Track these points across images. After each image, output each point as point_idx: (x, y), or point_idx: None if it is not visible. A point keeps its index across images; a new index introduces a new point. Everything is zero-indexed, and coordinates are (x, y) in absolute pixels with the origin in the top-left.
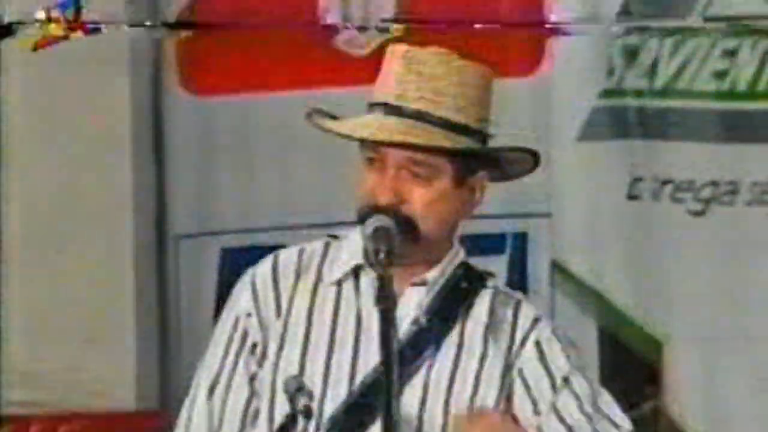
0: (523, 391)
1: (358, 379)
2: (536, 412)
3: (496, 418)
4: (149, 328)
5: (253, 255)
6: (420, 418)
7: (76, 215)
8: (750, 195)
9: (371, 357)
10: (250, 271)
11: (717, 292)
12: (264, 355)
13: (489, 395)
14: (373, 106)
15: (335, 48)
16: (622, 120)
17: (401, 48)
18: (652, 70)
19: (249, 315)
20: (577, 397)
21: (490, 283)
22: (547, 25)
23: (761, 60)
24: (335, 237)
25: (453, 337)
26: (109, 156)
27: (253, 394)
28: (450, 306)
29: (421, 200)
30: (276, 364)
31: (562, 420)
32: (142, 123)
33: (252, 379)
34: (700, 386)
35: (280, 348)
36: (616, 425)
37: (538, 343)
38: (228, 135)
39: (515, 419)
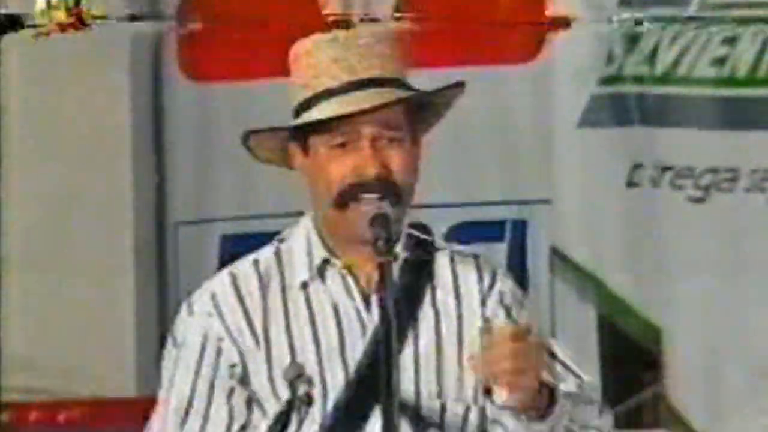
0: None
1: (352, 367)
2: None
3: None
4: (149, 314)
5: (252, 242)
6: (417, 392)
7: (76, 203)
8: (750, 182)
9: (357, 343)
10: (202, 294)
11: (716, 279)
12: (245, 375)
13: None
14: (318, 95)
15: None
16: (621, 107)
17: (321, 37)
18: (652, 56)
19: (221, 339)
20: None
21: (440, 244)
22: (547, 22)
23: (761, 47)
24: (281, 240)
25: (427, 307)
26: (109, 143)
27: (232, 414)
28: (417, 276)
29: (401, 165)
30: (269, 377)
31: None
32: (142, 110)
33: (230, 395)
34: (700, 373)
35: (268, 362)
36: (575, 373)
37: (501, 295)
38: (228, 122)
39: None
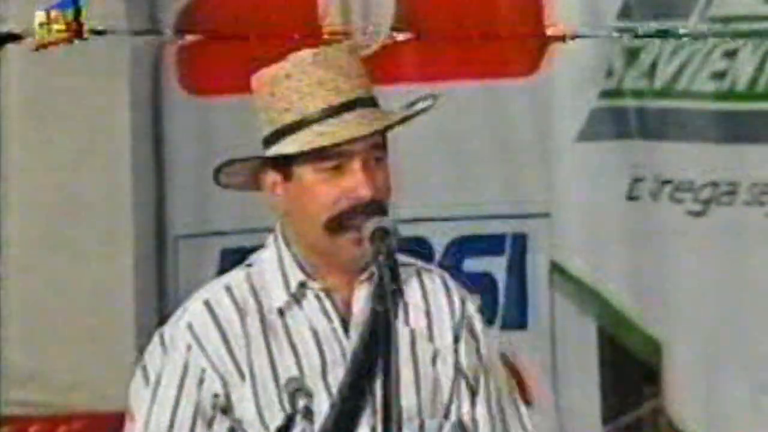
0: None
1: (334, 389)
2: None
3: None
4: (149, 328)
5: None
6: (398, 411)
7: (76, 215)
8: (749, 195)
9: (337, 365)
10: (177, 326)
11: (716, 293)
12: (228, 404)
13: (448, 373)
14: (306, 119)
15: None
16: (621, 120)
17: (299, 58)
18: (652, 70)
19: (203, 369)
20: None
21: (404, 260)
22: (547, 36)
23: (760, 61)
24: (249, 265)
25: (401, 325)
26: (110, 156)
27: None
28: (390, 294)
29: (385, 184)
30: (256, 405)
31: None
32: (142, 123)
33: (210, 425)
34: (700, 386)
35: (254, 390)
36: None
37: (470, 319)
38: (227, 135)
39: None
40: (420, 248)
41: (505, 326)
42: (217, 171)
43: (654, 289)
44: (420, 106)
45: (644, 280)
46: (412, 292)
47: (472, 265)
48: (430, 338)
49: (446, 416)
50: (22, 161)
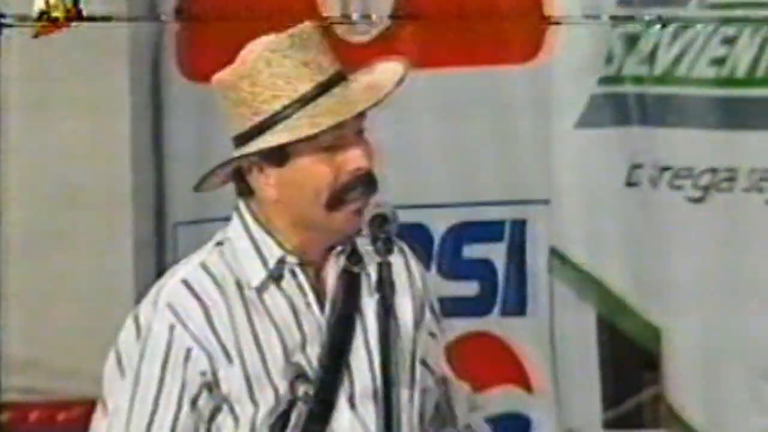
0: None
1: (314, 362)
2: None
3: None
4: None
5: None
6: (373, 379)
7: (76, 202)
8: (748, 182)
9: (315, 338)
10: (155, 307)
11: (715, 279)
12: (215, 381)
13: (408, 335)
14: (296, 102)
15: (336, 35)
16: (621, 107)
17: (275, 43)
18: (651, 56)
19: (189, 348)
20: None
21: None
22: (546, 20)
23: (760, 46)
24: (220, 243)
25: (367, 297)
26: (109, 143)
27: (198, 423)
28: (355, 264)
29: (372, 153)
30: (244, 371)
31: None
32: (142, 109)
33: (195, 402)
34: (699, 373)
35: (242, 365)
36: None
37: (422, 278)
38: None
39: None
40: (419, 234)
41: (504, 313)
42: (206, 178)
43: (653, 276)
44: (394, 76)
45: (643, 267)
46: (370, 261)
47: (471, 251)
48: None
49: (412, 386)
50: (22, 148)
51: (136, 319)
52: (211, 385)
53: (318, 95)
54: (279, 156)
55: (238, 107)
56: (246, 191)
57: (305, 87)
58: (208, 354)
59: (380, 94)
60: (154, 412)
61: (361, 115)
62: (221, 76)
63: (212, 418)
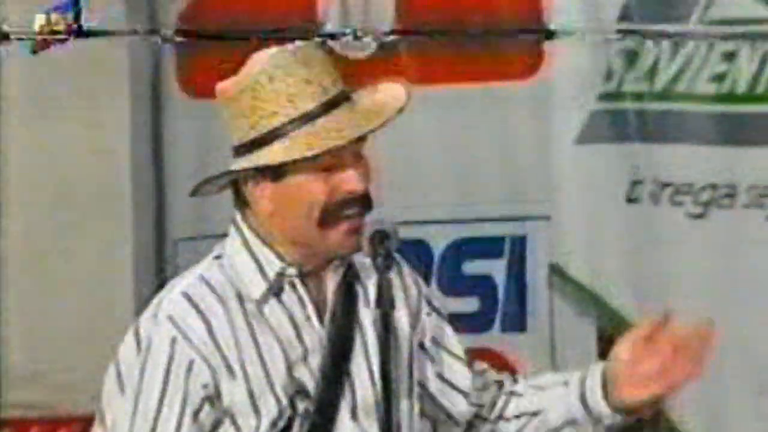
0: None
1: (315, 373)
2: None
3: None
4: None
5: None
6: (373, 389)
7: (76, 218)
8: (748, 198)
9: (315, 350)
10: (155, 322)
11: (715, 295)
12: (218, 394)
13: (405, 344)
14: (297, 120)
15: (335, 51)
16: (621, 123)
17: (278, 60)
18: (652, 72)
19: (192, 360)
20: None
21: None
22: (546, 33)
23: (760, 63)
24: (218, 257)
25: (365, 310)
26: (109, 159)
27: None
28: (352, 277)
29: (368, 175)
30: (247, 383)
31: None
32: (142, 126)
33: (196, 415)
34: (699, 388)
35: (243, 370)
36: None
37: (428, 297)
38: (227, 138)
39: None
40: (419, 251)
41: (504, 329)
42: (201, 185)
43: (654, 292)
44: (394, 103)
45: (644, 283)
46: (366, 275)
47: (472, 267)
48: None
49: (410, 396)
50: (22, 163)
51: (137, 333)
52: (213, 398)
53: (318, 115)
54: (274, 171)
55: (239, 119)
56: (243, 202)
57: (306, 106)
58: (210, 366)
59: (380, 121)
60: (154, 428)
61: (361, 137)
62: (224, 85)
63: (213, 430)
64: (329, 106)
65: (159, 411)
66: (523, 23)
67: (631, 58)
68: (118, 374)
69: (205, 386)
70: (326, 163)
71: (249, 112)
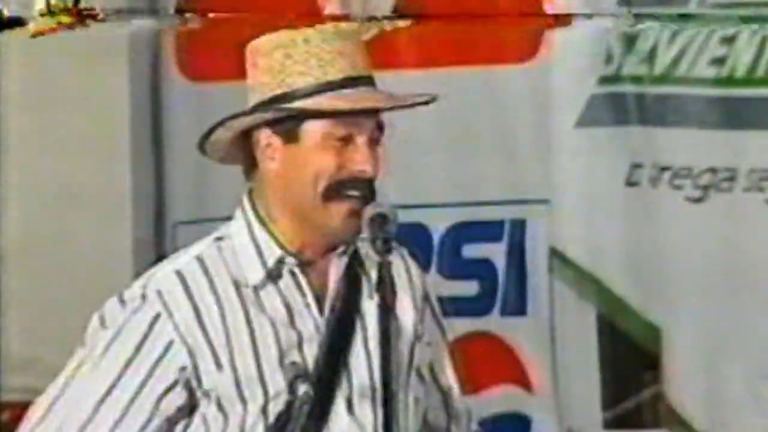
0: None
1: (311, 362)
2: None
3: None
4: None
5: None
6: (371, 379)
7: (75, 202)
8: (748, 181)
9: (312, 339)
10: (144, 289)
11: (715, 279)
12: (196, 375)
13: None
14: (324, 85)
15: None
16: (620, 106)
17: (322, 27)
18: (651, 56)
19: (171, 342)
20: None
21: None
22: (546, 17)
23: (759, 46)
24: (219, 238)
25: (367, 299)
26: (109, 143)
27: (154, 416)
28: (357, 267)
29: (380, 165)
30: (233, 371)
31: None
32: (141, 109)
33: (159, 400)
34: (699, 372)
35: (231, 358)
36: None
37: (423, 284)
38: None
39: None
40: (418, 234)
41: (504, 312)
42: (208, 135)
43: (653, 275)
44: (422, 98)
45: (643, 266)
46: (371, 263)
47: (471, 251)
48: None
49: (407, 390)
50: (21, 148)
51: (121, 296)
52: (191, 381)
53: (343, 86)
54: (290, 131)
55: (264, 75)
56: (251, 168)
57: (334, 75)
58: (190, 348)
59: (402, 102)
60: (108, 393)
61: (380, 126)
62: (257, 42)
63: (191, 412)
64: (355, 81)
65: (117, 380)
66: (523, 7)
67: (631, 41)
68: (102, 319)
69: (182, 368)
70: (341, 134)
71: (278, 68)
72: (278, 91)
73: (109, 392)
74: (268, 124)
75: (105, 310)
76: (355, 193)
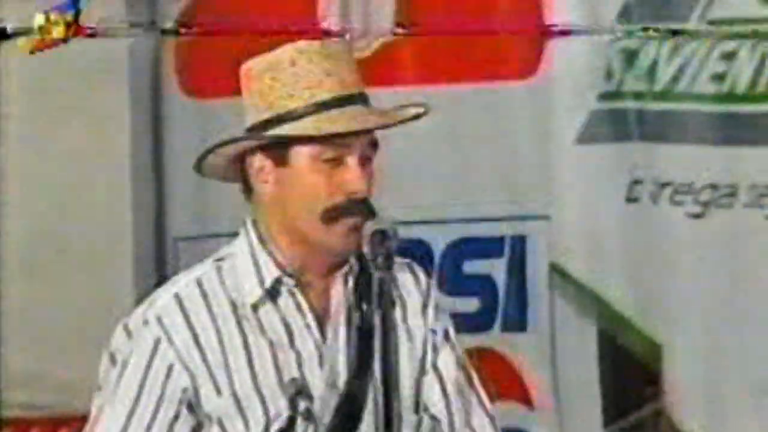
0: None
1: (312, 386)
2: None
3: None
4: None
5: None
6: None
7: (76, 218)
8: (748, 197)
9: (312, 360)
10: (146, 317)
11: (716, 294)
12: (197, 399)
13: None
14: (310, 107)
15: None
16: (621, 122)
17: (306, 46)
18: (651, 72)
19: (171, 365)
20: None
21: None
22: (547, 31)
23: (760, 62)
24: (220, 259)
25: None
26: (109, 159)
27: None
28: (365, 285)
29: (372, 183)
30: (233, 395)
31: (440, 379)
32: (142, 125)
33: (173, 421)
34: (700, 388)
35: (229, 379)
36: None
37: (436, 304)
38: (227, 137)
39: None
40: (419, 250)
41: (504, 328)
42: (201, 159)
43: (654, 291)
44: (415, 111)
45: (644, 282)
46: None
47: (472, 267)
48: (407, 330)
49: (416, 411)
50: (22, 163)
51: (126, 326)
52: (192, 403)
53: (332, 106)
54: (279, 155)
55: (256, 98)
56: (248, 189)
57: (322, 95)
58: (191, 372)
59: (392, 120)
60: (126, 426)
61: (373, 143)
62: (248, 64)
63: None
64: (345, 100)
65: (134, 408)
66: (523, 23)
67: (631, 57)
68: (112, 357)
69: (184, 390)
70: (330, 156)
71: (267, 91)
72: (266, 115)
73: (128, 421)
74: (260, 147)
75: (112, 344)
76: (352, 216)
